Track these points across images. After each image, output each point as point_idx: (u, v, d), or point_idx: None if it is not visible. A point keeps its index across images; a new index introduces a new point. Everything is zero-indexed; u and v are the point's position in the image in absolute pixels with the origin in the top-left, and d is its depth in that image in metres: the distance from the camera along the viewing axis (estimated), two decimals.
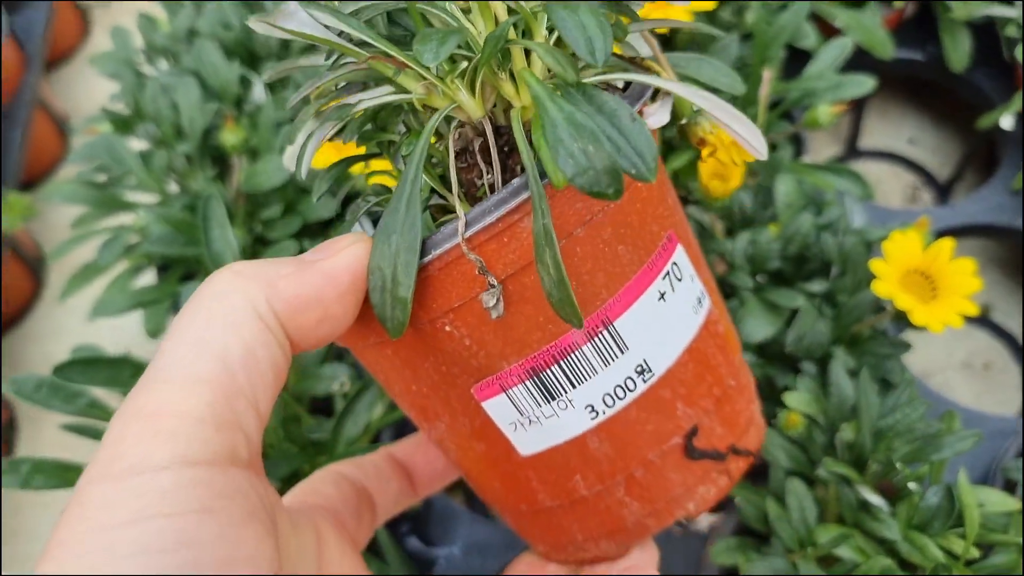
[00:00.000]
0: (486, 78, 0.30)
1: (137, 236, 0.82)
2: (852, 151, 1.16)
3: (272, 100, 0.83)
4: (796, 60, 0.88)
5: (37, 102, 1.25)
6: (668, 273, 0.33)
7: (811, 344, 0.66)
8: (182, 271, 0.83)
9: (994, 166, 1.01)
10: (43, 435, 1.09)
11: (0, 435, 1.05)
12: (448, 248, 0.29)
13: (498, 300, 0.29)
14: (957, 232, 0.92)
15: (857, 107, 1.13)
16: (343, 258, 0.29)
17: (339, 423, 0.63)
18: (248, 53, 0.90)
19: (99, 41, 1.51)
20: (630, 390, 0.32)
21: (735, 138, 0.31)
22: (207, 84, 0.85)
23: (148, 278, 0.91)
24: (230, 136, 0.81)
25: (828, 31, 0.94)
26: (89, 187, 0.86)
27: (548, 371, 0.31)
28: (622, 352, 0.32)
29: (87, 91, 1.44)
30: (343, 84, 0.34)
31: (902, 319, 0.64)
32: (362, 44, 0.30)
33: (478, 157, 0.31)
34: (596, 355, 0.31)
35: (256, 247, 0.80)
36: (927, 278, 0.65)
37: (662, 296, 0.32)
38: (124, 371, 0.63)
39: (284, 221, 0.79)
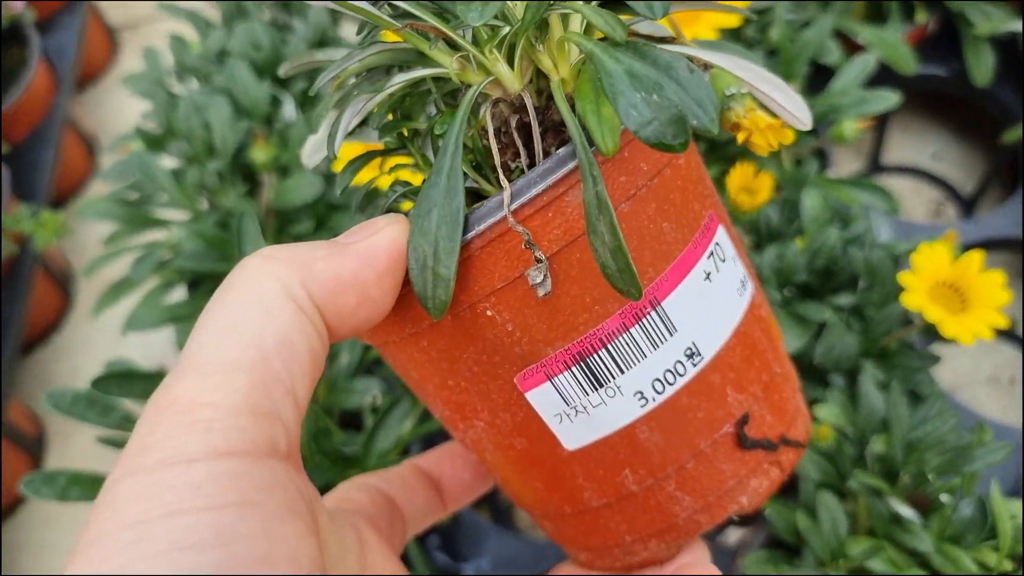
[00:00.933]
0: (524, 51, 0.29)
1: (169, 252, 0.83)
2: (875, 166, 1.16)
3: (302, 118, 0.84)
4: (820, 76, 0.89)
5: (67, 122, 1.27)
6: (712, 253, 0.32)
7: (840, 357, 0.67)
8: (212, 287, 0.84)
9: (1018, 180, 1.01)
10: (72, 451, 1.11)
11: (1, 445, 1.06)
12: (492, 223, 0.27)
13: (545, 276, 0.28)
14: (982, 246, 0.92)
15: (880, 122, 1.13)
16: (381, 238, 0.28)
17: (371, 436, 0.63)
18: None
19: (128, 62, 1.54)
20: (680, 375, 0.31)
21: (777, 111, 0.30)
22: (238, 103, 0.86)
23: (179, 294, 0.92)
24: (260, 153, 0.83)
25: (851, 47, 0.95)
26: (121, 204, 0.87)
27: (595, 356, 0.30)
28: (671, 334, 0.30)
29: (115, 111, 1.46)
30: (366, 72, 0.33)
31: (931, 332, 0.65)
32: (395, 17, 0.29)
33: (515, 135, 0.30)
34: (645, 338, 0.30)
35: None
36: (956, 291, 0.65)
37: (708, 276, 0.31)
38: (159, 385, 0.64)
39: (314, 237, 0.79)
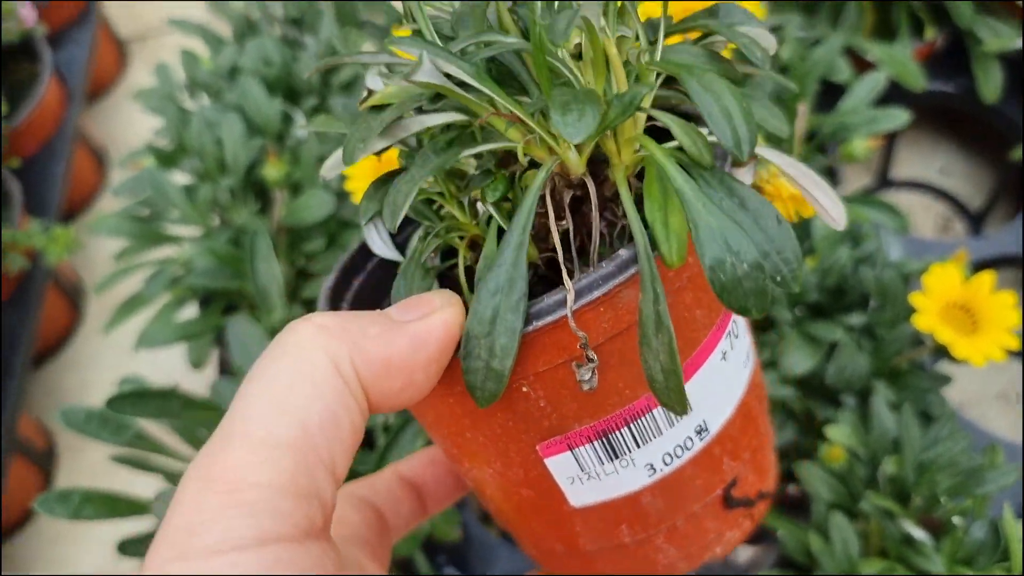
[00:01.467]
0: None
1: (181, 269, 0.84)
2: (884, 181, 1.16)
3: (313, 135, 0.85)
4: (830, 93, 0.89)
5: (78, 135, 1.28)
6: (729, 332, 0.32)
7: (851, 377, 0.67)
8: (224, 304, 0.84)
9: None
10: (83, 464, 1.11)
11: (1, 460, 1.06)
12: (550, 321, 0.28)
13: (593, 373, 0.28)
14: (990, 263, 0.92)
15: (889, 138, 1.13)
16: (434, 323, 0.27)
17: (383, 456, 0.64)
18: (289, 89, 0.91)
19: (137, 74, 1.54)
20: (688, 449, 0.32)
21: (815, 207, 0.30)
22: (250, 119, 0.87)
23: (190, 310, 0.93)
24: (272, 171, 0.83)
25: (861, 64, 0.95)
26: (133, 220, 0.88)
27: (618, 432, 0.31)
28: (687, 413, 0.31)
29: (125, 123, 1.47)
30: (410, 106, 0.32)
31: (942, 352, 0.65)
32: (462, 85, 0.28)
33: (567, 209, 0.30)
34: (664, 417, 0.31)
35: (298, 280, 0.81)
36: (967, 312, 0.65)
37: (724, 356, 0.32)
38: (173, 403, 0.64)
39: (327, 255, 0.80)
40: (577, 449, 0.31)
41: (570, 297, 0.27)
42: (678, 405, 0.27)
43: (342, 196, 0.81)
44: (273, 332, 0.74)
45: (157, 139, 0.96)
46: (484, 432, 0.32)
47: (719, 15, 0.31)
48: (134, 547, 0.62)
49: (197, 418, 0.66)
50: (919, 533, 0.59)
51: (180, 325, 0.82)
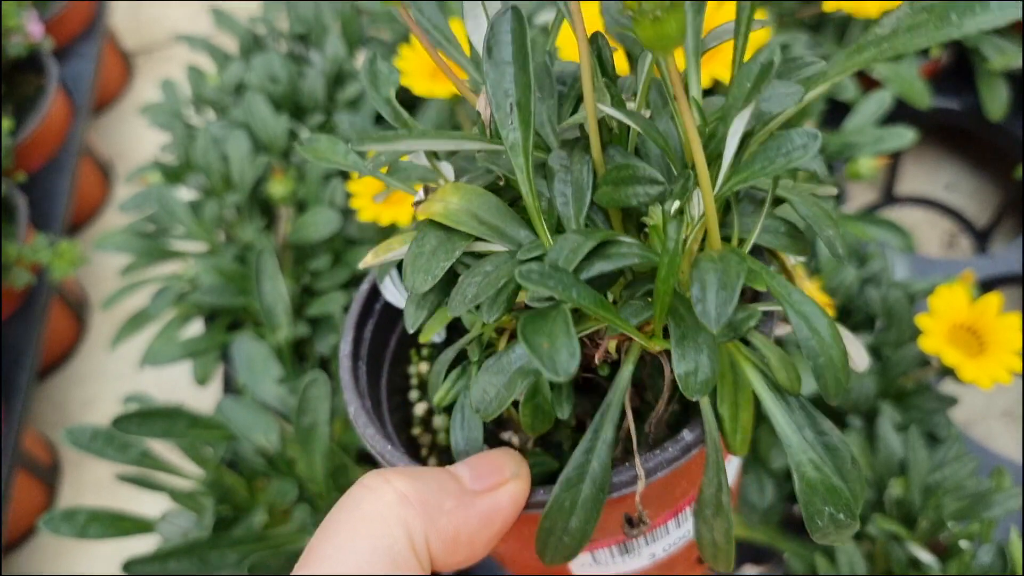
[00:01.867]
0: None
1: (187, 285, 0.84)
2: (889, 197, 1.16)
3: None
4: (836, 111, 0.89)
5: (84, 149, 1.28)
6: None
7: (858, 398, 0.67)
8: (229, 320, 0.84)
9: None
10: (88, 478, 1.11)
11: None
12: (617, 496, 0.30)
13: (640, 532, 0.30)
14: (995, 282, 0.92)
15: (895, 154, 1.13)
16: (503, 500, 0.29)
17: None
18: (295, 106, 0.92)
19: (143, 87, 1.55)
20: (682, 539, 0.36)
21: None
22: (256, 136, 0.87)
23: (195, 327, 0.93)
24: (278, 187, 0.83)
25: (867, 82, 0.95)
26: (139, 237, 0.88)
27: (635, 541, 0.34)
28: (689, 520, 0.35)
29: (130, 137, 1.47)
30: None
31: (948, 374, 0.64)
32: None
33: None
34: (676, 525, 0.34)
35: (303, 297, 0.81)
36: (974, 333, 0.65)
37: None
38: (178, 422, 0.64)
39: (332, 272, 0.80)
40: (597, 551, 0.34)
41: (640, 484, 0.29)
42: (725, 568, 0.30)
43: (347, 213, 0.81)
44: (279, 350, 0.74)
45: (163, 155, 0.96)
46: (515, 531, 0.33)
47: (788, 141, 0.32)
48: (140, 567, 0.62)
49: (202, 436, 0.66)
50: (925, 556, 0.59)
51: (185, 342, 0.82)
